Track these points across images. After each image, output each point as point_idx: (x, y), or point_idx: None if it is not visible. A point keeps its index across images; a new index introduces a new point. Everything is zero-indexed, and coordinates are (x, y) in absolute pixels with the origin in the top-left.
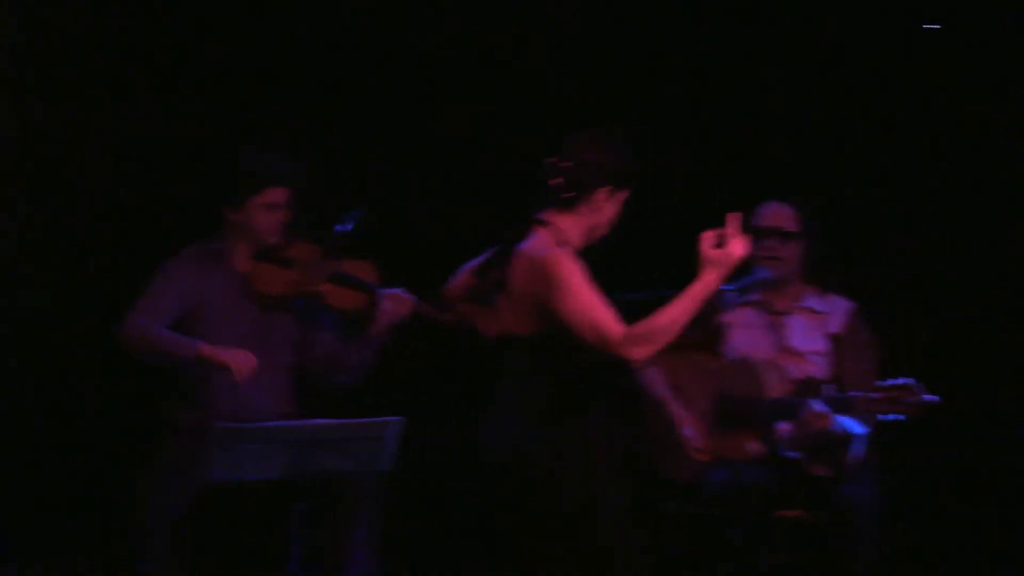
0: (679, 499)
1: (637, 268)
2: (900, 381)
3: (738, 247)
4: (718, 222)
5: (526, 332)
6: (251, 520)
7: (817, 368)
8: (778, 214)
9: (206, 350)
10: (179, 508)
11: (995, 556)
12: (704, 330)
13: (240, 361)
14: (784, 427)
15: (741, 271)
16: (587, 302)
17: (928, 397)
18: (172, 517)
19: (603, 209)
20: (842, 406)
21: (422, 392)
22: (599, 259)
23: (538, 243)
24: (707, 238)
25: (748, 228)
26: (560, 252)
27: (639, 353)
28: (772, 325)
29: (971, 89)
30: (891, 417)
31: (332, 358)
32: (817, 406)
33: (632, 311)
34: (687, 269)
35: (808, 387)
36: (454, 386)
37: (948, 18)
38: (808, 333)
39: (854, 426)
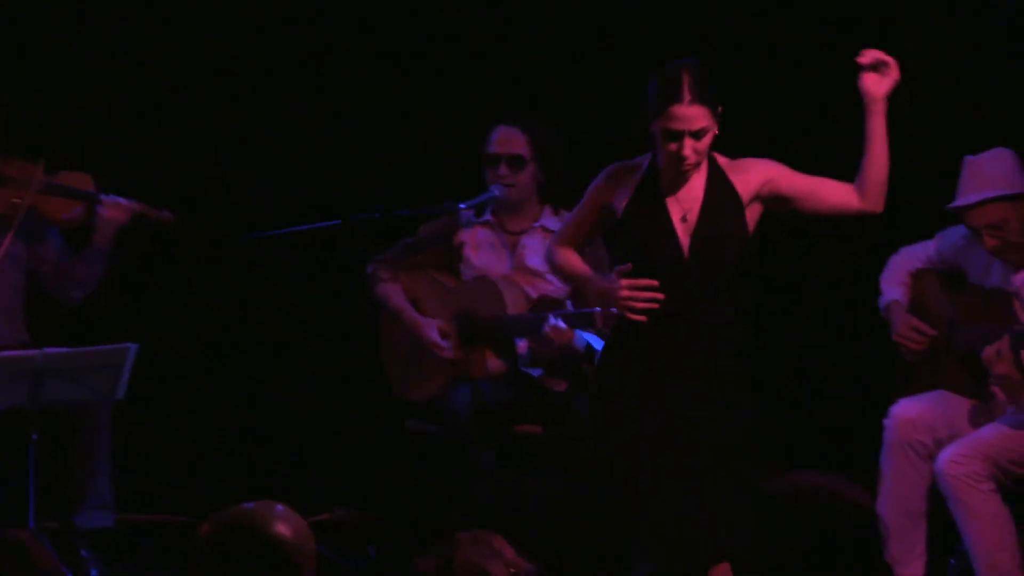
0: (420, 417)
1: None
2: None
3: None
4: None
5: None
6: None
7: (553, 287)
8: (509, 139)
9: None
10: None
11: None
12: (441, 249)
13: None
14: (523, 344)
15: (479, 190)
16: None
17: None
18: None
19: None
20: (582, 322)
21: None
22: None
23: None
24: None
25: (481, 154)
26: None
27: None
28: (508, 245)
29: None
30: None
31: (59, 273)
32: (557, 322)
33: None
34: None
35: (545, 305)
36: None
37: None
38: (544, 252)
39: (595, 340)
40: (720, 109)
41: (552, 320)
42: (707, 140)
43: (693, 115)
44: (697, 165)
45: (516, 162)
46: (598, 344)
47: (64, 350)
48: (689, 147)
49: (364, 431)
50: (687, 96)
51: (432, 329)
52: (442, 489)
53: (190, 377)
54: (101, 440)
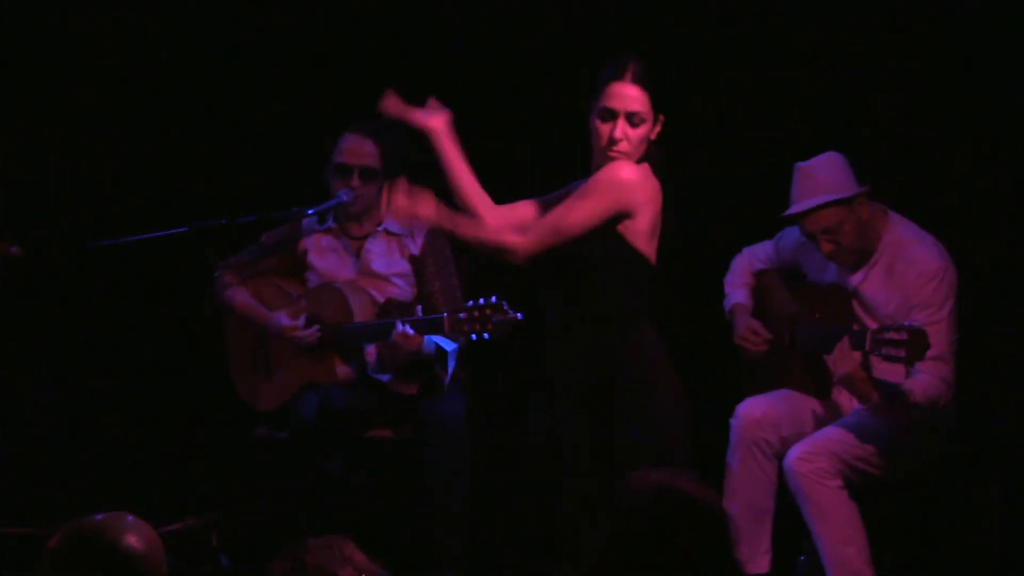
0: (269, 424)
1: None
2: (483, 301)
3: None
4: None
5: None
6: None
7: (399, 290)
8: (360, 150)
9: None
10: None
11: None
12: (285, 256)
13: None
14: (371, 350)
15: (325, 195)
16: None
17: (514, 315)
18: None
19: None
20: (430, 327)
21: None
22: None
23: None
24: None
25: (330, 162)
26: None
27: None
28: (352, 250)
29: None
30: (477, 337)
31: None
32: (405, 328)
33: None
34: None
35: (391, 309)
36: None
37: None
38: (388, 256)
39: (445, 343)
40: (662, 117)
41: (400, 327)
42: (641, 132)
43: (631, 95)
44: (628, 156)
45: (368, 174)
46: (448, 346)
47: None
48: (621, 129)
49: (213, 439)
50: (628, 76)
51: (282, 317)
52: (292, 496)
53: (35, 386)
54: None
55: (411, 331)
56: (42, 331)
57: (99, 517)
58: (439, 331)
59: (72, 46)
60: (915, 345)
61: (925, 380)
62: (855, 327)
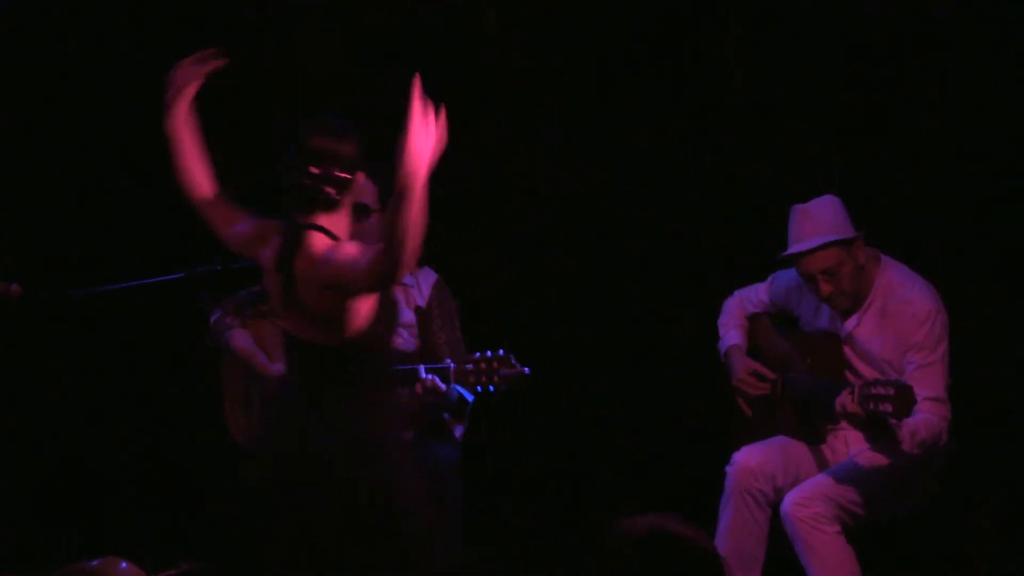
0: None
1: None
2: (491, 353)
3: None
4: None
5: None
6: None
7: (403, 341)
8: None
9: None
10: None
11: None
12: None
13: None
14: None
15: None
16: None
17: (521, 368)
18: None
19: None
20: (438, 376)
21: None
22: None
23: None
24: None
25: None
26: None
27: None
28: None
29: None
30: (482, 389)
31: None
32: (433, 377)
33: None
34: None
35: (396, 358)
36: None
37: None
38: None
39: (466, 394)
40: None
41: (424, 374)
42: None
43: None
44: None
45: (362, 211)
46: (469, 396)
47: None
48: None
49: (205, 480)
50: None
51: (280, 370)
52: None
53: (31, 430)
54: None
55: (439, 381)
56: (37, 376)
57: (94, 563)
58: (446, 381)
59: (70, 89)
60: (902, 399)
61: (927, 418)
62: (847, 373)
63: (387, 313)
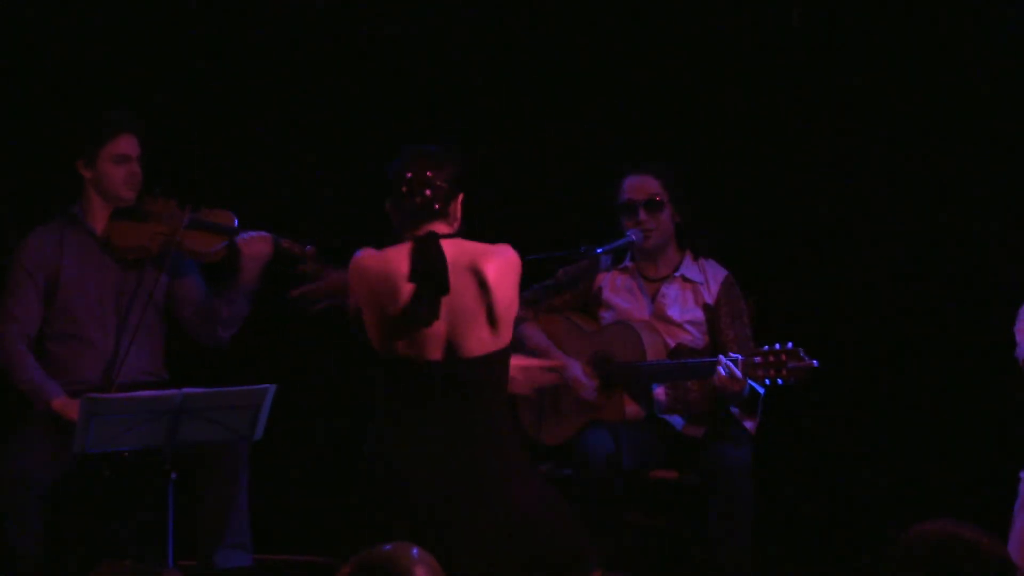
0: (554, 461)
1: None
2: (779, 346)
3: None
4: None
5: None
6: (125, 490)
7: (691, 338)
8: (642, 186)
9: (57, 405)
10: (47, 481)
11: (865, 519)
12: (580, 293)
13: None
14: (660, 390)
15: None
16: None
17: (810, 361)
18: (39, 491)
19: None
20: (708, 369)
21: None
22: None
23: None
24: None
25: (615, 205)
26: None
27: None
28: (648, 291)
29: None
30: (771, 382)
31: (204, 314)
32: (733, 368)
33: None
34: None
35: (683, 354)
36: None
37: None
38: (683, 303)
39: (756, 386)
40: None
41: (723, 370)
42: None
43: None
44: None
45: (653, 206)
46: (760, 389)
47: (203, 390)
48: None
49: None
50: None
51: (577, 368)
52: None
53: (324, 416)
54: (239, 480)
55: (739, 372)
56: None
57: (387, 547)
58: (711, 374)
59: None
60: None
61: None
62: None
63: None
